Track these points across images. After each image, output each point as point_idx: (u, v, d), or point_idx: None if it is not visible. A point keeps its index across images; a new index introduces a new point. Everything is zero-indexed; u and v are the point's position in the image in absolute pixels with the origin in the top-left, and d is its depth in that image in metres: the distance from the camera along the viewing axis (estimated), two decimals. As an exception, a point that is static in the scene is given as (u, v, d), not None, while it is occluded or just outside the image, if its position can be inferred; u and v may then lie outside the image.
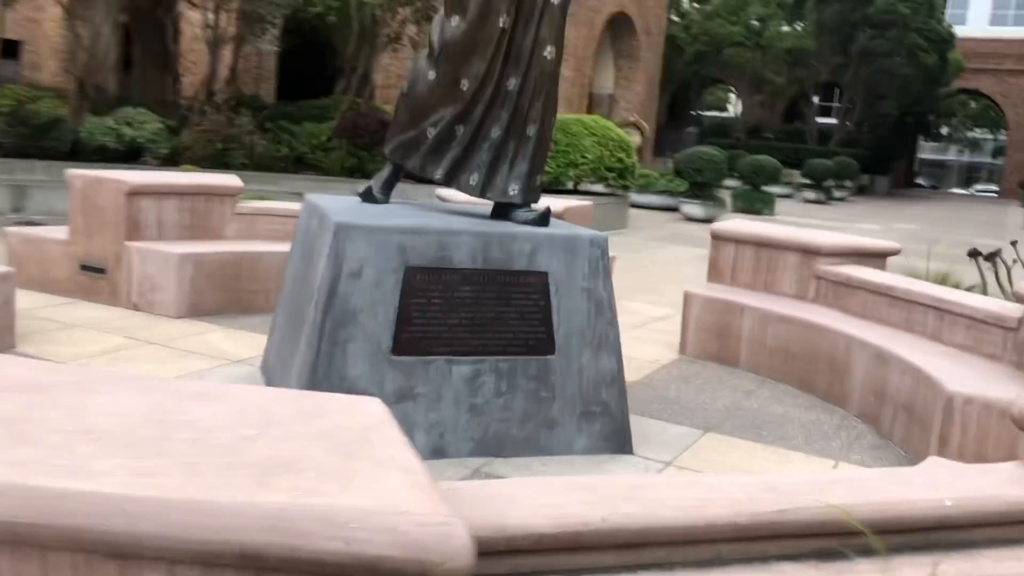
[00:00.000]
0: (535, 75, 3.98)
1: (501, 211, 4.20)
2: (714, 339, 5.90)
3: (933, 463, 2.64)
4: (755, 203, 19.36)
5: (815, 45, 34.30)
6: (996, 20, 47.95)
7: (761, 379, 5.50)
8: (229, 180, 6.92)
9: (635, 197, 14.73)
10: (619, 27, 27.46)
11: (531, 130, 4.02)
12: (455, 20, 4.00)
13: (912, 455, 4.21)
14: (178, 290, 6.01)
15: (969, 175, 65.55)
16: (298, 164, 13.45)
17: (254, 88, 20.46)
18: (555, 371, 3.93)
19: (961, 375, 4.16)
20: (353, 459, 1.73)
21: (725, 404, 4.94)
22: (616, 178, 13.43)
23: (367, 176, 11.42)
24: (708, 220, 14.51)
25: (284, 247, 6.17)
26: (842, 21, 33.10)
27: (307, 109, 14.94)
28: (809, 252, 5.87)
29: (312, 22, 17.06)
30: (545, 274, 3.92)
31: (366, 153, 13.01)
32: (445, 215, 4.20)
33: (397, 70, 19.94)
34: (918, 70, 32.64)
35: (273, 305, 5.40)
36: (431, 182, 4.40)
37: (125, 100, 13.82)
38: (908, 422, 4.37)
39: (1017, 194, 36.46)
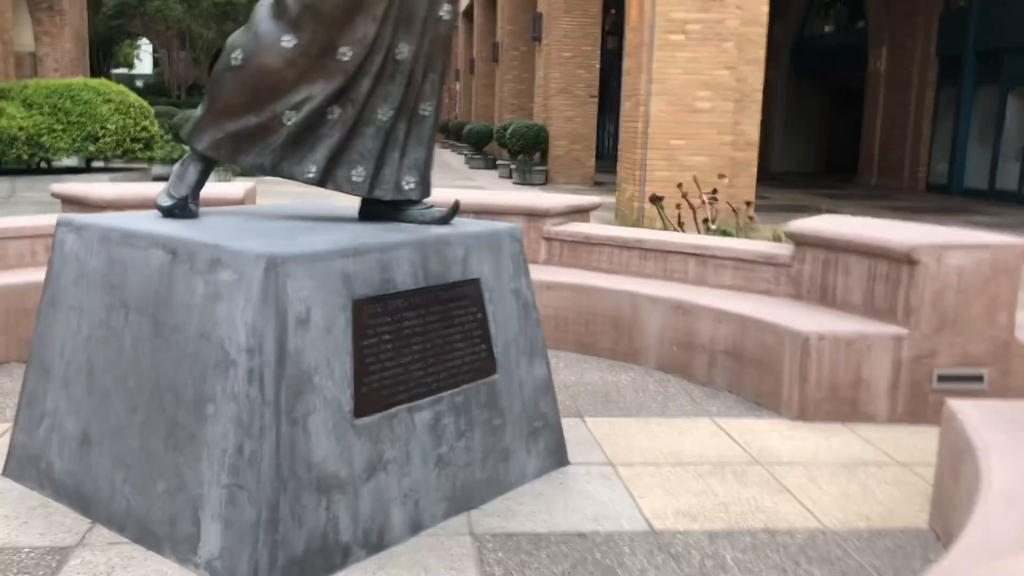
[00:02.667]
0: (429, 40, 3.23)
1: (384, 211, 3.38)
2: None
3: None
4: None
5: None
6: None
7: (539, 351, 5.34)
8: None
9: (157, 169, 13.08)
10: (35, -26, 23.80)
11: (426, 108, 3.28)
12: (326, -32, 3.04)
13: (760, 397, 4.46)
14: None
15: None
16: None
17: None
18: (501, 392, 3.33)
19: (783, 315, 4.49)
20: None
21: (553, 385, 4.71)
22: (142, 149, 11.77)
23: None
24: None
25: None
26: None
27: None
28: (536, 215, 5.80)
29: None
30: (478, 281, 3.28)
31: None
32: (344, 224, 3.24)
33: None
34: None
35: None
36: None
37: None
38: (736, 366, 4.60)
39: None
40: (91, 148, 11.16)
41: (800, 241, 4.82)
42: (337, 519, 2.74)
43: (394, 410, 2.93)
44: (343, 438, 2.76)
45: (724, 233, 6.61)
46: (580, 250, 5.68)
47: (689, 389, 4.69)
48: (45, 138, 10.88)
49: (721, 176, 7.59)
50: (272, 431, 2.59)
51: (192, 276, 2.79)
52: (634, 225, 10.94)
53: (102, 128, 11.14)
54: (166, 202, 3.26)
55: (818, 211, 15.00)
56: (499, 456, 3.31)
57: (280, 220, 3.32)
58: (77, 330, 3.13)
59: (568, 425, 4.05)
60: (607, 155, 32.66)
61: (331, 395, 2.73)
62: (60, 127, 10.96)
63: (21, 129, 10.74)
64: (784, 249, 4.98)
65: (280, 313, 2.62)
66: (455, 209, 3.35)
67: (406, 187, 3.29)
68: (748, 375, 4.55)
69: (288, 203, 4.03)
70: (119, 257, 3.01)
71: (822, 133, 27.57)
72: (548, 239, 5.79)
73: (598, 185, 19.82)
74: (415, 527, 2.98)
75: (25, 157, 11.04)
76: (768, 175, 22.44)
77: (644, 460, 3.71)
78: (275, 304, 2.61)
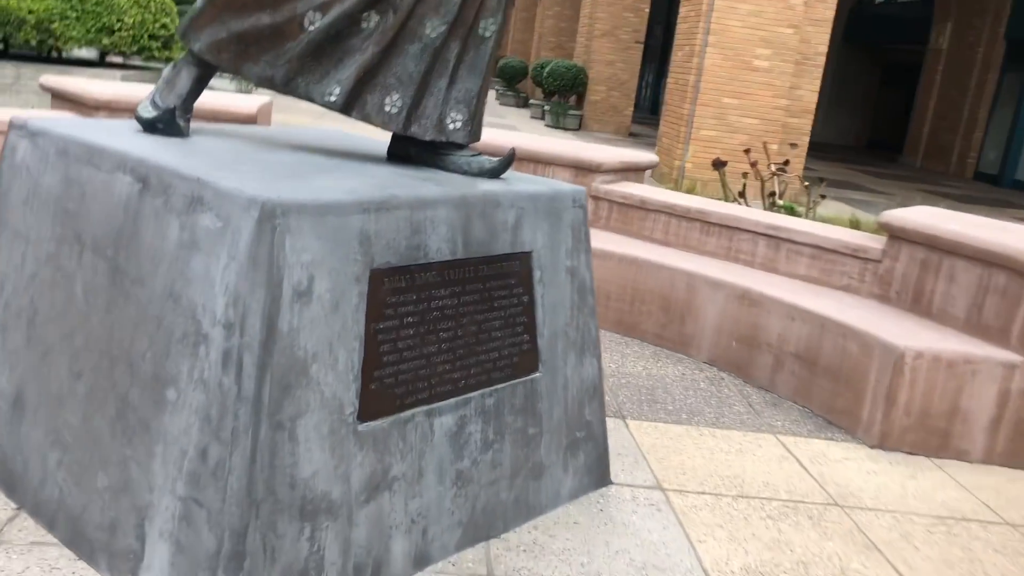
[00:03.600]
0: (500, -62, 2.50)
1: (419, 154, 2.69)
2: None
3: None
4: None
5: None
6: None
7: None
8: None
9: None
10: None
11: (488, 27, 2.56)
12: None
13: (833, 415, 3.80)
14: None
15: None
16: None
17: None
18: (541, 393, 2.68)
19: (873, 321, 3.81)
20: None
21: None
22: (160, 48, 11.00)
23: None
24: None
25: None
26: None
27: None
28: (584, 169, 5.09)
29: None
30: (529, 255, 2.60)
31: None
32: (369, 166, 2.54)
33: None
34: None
35: None
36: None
37: None
38: (807, 374, 3.94)
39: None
40: (105, 41, 10.39)
41: (895, 234, 4.11)
42: (323, 551, 2.10)
43: (409, 413, 2.27)
44: (340, 448, 2.11)
45: (791, 212, 5.88)
46: (632, 215, 4.98)
47: (747, 393, 4.03)
48: (56, 25, 10.11)
49: (793, 145, 6.82)
50: (247, 436, 1.93)
51: (165, 216, 2.12)
52: (673, 187, 10.19)
53: (118, 20, 10.36)
54: (148, 113, 2.58)
55: (860, 188, 14.19)
56: (531, 472, 2.67)
57: (290, 152, 2.63)
58: (21, 263, 2.47)
59: (608, 428, 3.41)
60: (642, 106, 31.62)
61: (330, 392, 2.08)
62: (74, 15, 10.18)
63: (31, 12, 9.97)
64: (875, 241, 4.27)
65: (273, 280, 1.95)
66: (509, 160, 2.65)
67: (451, 126, 2.59)
68: (821, 387, 3.88)
69: (306, 128, 3.34)
70: (78, 177, 2.33)
71: (867, 107, 26.49)
72: (596, 198, 5.08)
73: (633, 137, 18.98)
74: (421, 560, 2.35)
75: (34, 43, 10.29)
76: (807, 145, 21.52)
77: (700, 486, 3.07)
78: (267, 267, 1.94)
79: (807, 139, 11.89)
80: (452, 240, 2.34)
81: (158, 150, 2.30)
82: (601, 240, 4.75)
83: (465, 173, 2.63)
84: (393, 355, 2.22)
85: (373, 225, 2.14)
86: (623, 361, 4.23)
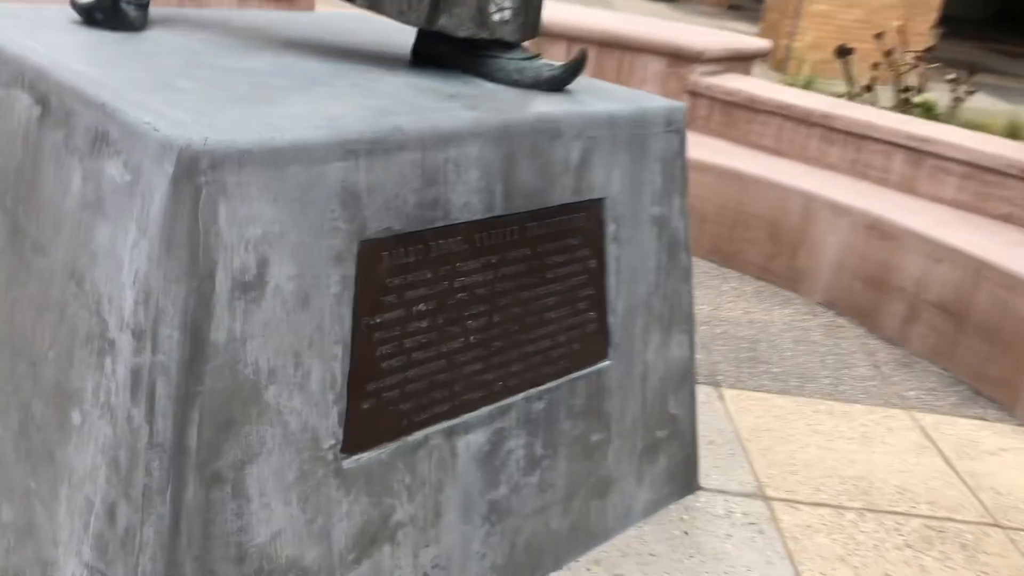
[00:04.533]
0: None
1: (452, 55, 1.95)
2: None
3: None
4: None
5: None
6: None
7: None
8: None
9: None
10: None
11: None
12: None
13: (984, 384, 3.03)
14: None
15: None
16: None
17: None
18: (611, 388, 2.00)
19: (1046, 269, 2.97)
20: None
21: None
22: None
23: None
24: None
25: None
26: None
27: None
28: (681, 58, 4.23)
29: None
30: (600, 204, 1.87)
31: None
32: (378, 74, 1.80)
33: None
34: None
35: None
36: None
37: None
38: (952, 330, 3.14)
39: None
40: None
41: (1080, 154, 3.21)
42: (292, 635, 1.51)
43: (421, 435, 1.62)
44: (316, 497, 1.48)
45: (929, 113, 4.91)
46: (738, 117, 4.13)
47: (871, 348, 3.27)
48: None
49: (935, 26, 5.75)
50: (164, 500, 1.31)
51: (66, 157, 1.46)
52: (780, 73, 9.09)
53: None
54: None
55: (1002, 74, 12.66)
56: (593, 490, 2.02)
57: (272, 54, 1.91)
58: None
59: (697, 398, 2.73)
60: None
61: (299, 422, 1.43)
62: None
63: None
64: (1049, 161, 3.37)
65: (200, 269, 1.28)
66: (578, 65, 1.89)
67: (495, 16, 1.83)
68: (969, 348, 3.10)
69: (323, 14, 2.61)
70: (-26, 91, 1.68)
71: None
72: (694, 94, 4.24)
73: (734, 10, 17.45)
74: (438, 622, 1.74)
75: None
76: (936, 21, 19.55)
77: (816, 493, 2.38)
78: (189, 250, 1.27)
79: (935, 15, 10.49)
80: (487, 191, 1.63)
81: (76, 54, 1.62)
82: (699, 147, 3.95)
83: (515, 84, 1.88)
84: (397, 359, 1.56)
85: (363, 176, 1.44)
86: (719, 301, 3.50)
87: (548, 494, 1.91)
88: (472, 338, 1.68)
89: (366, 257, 1.47)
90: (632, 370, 2.04)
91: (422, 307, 1.58)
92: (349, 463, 1.52)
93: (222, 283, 1.30)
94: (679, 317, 2.12)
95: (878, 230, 3.36)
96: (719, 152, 3.93)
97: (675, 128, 1.98)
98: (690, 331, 2.17)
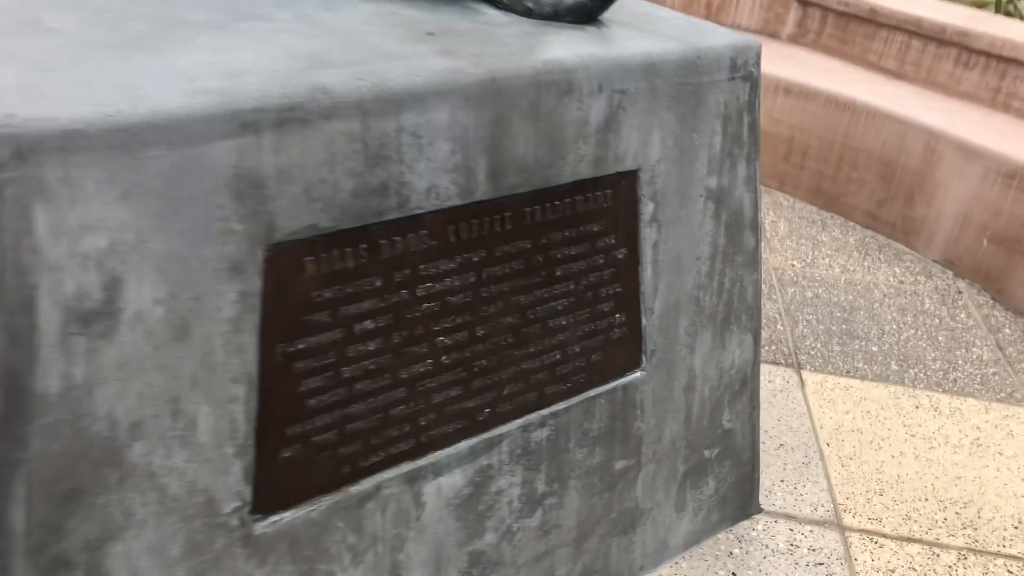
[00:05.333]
0: None
1: (453, -28, 1.50)
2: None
3: None
4: None
5: None
6: None
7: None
8: None
9: None
10: None
11: None
12: None
13: None
14: None
15: None
16: None
17: None
18: (645, 404, 1.58)
19: None
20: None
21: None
22: None
23: None
24: None
25: None
26: None
27: None
28: (793, -42, 3.59)
29: None
30: (633, 177, 1.42)
31: None
32: (344, 1, 1.38)
33: None
34: None
35: None
36: None
37: None
38: (1100, 308, 2.58)
39: None
40: None
41: None
42: None
43: (367, 485, 1.26)
44: (214, 573, 1.14)
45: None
46: (855, 31, 3.50)
47: (996, 323, 2.73)
48: None
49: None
50: (-16, 595, 0.99)
51: None
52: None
53: None
54: None
55: None
56: (615, 526, 1.63)
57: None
58: None
59: (771, 384, 2.28)
60: None
61: (182, 483, 1.08)
62: None
63: None
64: None
65: (12, 296, 0.91)
66: (611, -9, 1.42)
67: (503, -77, 1.36)
68: (1120, 331, 2.53)
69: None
70: None
71: None
72: (804, 2, 3.62)
73: None
74: None
75: None
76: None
77: (906, 521, 1.93)
78: (-7, 274, 0.90)
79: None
80: (464, 168, 1.21)
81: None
82: (805, 67, 3.36)
83: (528, 13, 1.43)
84: (332, 393, 1.18)
85: (269, 157, 1.04)
86: (814, 255, 2.99)
87: (553, 537, 1.53)
88: (445, 358, 1.28)
89: (278, 266, 1.08)
90: (673, 381, 1.61)
91: (368, 325, 1.19)
92: (263, 527, 1.17)
93: (47, 315, 0.94)
94: (740, 313, 1.67)
95: (1019, 181, 2.77)
96: (828, 74, 3.33)
97: (743, 74, 1.49)
98: (755, 329, 1.71)
